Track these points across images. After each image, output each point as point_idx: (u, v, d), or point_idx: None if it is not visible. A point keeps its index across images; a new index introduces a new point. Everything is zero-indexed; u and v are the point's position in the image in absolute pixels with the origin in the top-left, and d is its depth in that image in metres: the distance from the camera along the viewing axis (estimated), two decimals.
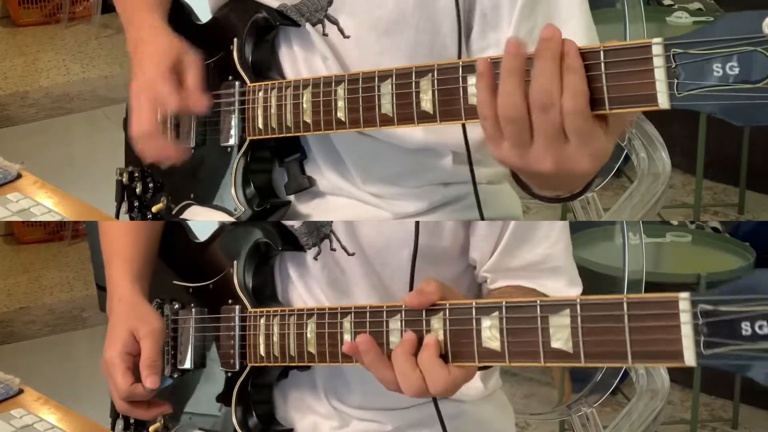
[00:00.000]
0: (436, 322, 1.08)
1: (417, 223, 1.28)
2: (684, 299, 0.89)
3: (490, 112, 1.01)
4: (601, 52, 0.98)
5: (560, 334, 0.98)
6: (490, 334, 1.03)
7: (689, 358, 0.89)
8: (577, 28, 1.22)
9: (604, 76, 0.98)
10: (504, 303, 1.03)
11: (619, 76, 0.97)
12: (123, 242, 1.44)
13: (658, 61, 0.92)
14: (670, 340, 0.90)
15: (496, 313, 1.03)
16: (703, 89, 0.90)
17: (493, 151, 1.03)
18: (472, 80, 1.07)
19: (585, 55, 0.98)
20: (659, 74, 0.92)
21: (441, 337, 1.08)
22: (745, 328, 0.86)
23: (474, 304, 1.05)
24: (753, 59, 0.87)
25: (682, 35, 0.91)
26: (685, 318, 0.89)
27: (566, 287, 1.31)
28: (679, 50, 0.91)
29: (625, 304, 0.93)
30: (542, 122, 0.99)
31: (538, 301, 1.00)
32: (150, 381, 1.29)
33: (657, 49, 0.92)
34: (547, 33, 0.98)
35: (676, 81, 0.91)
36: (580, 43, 1.20)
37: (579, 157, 0.99)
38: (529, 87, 0.99)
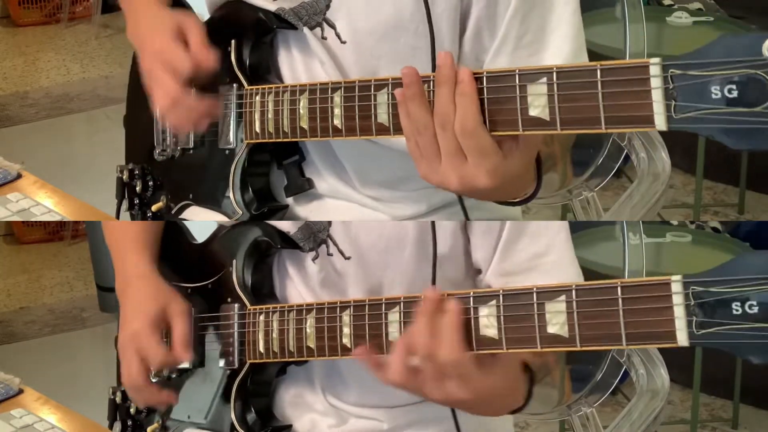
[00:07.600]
0: None
1: (433, 223, 1.28)
2: (676, 281, 0.92)
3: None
4: (598, 70, 0.97)
5: (556, 320, 1.00)
6: (488, 322, 1.06)
7: (682, 339, 0.92)
8: (566, 36, 1.21)
9: (600, 95, 0.97)
10: (501, 291, 1.05)
11: (616, 96, 0.95)
12: (137, 229, 1.44)
13: (656, 82, 0.91)
14: (664, 321, 0.93)
15: (494, 302, 1.06)
16: (700, 111, 0.89)
17: (418, 168, 1.13)
18: None
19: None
20: (657, 95, 0.91)
21: None
22: (736, 307, 0.89)
23: (472, 293, 1.08)
24: (752, 83, 0.86)
25: (680, 56, 0.90)
26: (678, 300, 0.92)
27: (575, 279, 1.30)
28: (678, 71, 0.90)
29: (619, 288, 0.96)
30: (442, 140, 1.09)
31: (535, 289, 1.03)
32: (186, 357, 1.31)
33: (655, 70, 0.90)
34: (439, 60, 1.09)
35: (673, 103, 0.90)
36: (566, 50, 1.21)
37: (476, 173, 1.08)
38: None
